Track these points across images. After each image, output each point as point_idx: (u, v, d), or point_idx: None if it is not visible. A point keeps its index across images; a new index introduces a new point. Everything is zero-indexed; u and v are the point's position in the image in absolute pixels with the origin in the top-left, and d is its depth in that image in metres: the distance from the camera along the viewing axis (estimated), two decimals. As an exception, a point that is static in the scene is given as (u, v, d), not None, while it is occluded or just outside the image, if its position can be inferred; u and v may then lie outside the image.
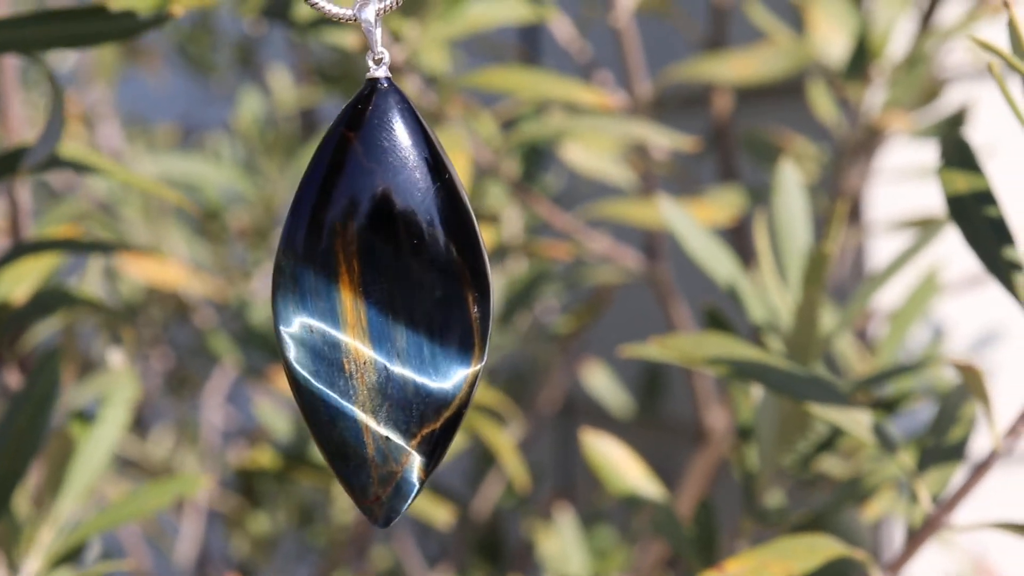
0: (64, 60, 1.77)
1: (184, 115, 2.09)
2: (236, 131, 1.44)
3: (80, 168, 0.76)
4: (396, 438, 0.53)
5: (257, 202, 1.41)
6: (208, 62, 1.92)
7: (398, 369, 0.52)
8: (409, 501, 0.54)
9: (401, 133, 0.52)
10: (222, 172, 1.40)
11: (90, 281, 1.08)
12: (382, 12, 0.53)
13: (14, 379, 0.89)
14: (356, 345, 0.52)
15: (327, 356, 0.52)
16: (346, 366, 0.52)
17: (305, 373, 0.53)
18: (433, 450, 0.53)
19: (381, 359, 0.52)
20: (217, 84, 1.95)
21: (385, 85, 0.52)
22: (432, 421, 0.53)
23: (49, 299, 0.86)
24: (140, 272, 1.32)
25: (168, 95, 2.19)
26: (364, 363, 0.52)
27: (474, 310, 0.52)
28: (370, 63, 0.53)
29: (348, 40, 0.93)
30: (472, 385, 0.53)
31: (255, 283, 1.41)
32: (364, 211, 0.52)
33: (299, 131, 1.56)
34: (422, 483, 0.54)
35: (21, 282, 0.86)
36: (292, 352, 0.52)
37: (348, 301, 0.52)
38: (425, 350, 0.53)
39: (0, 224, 1.11)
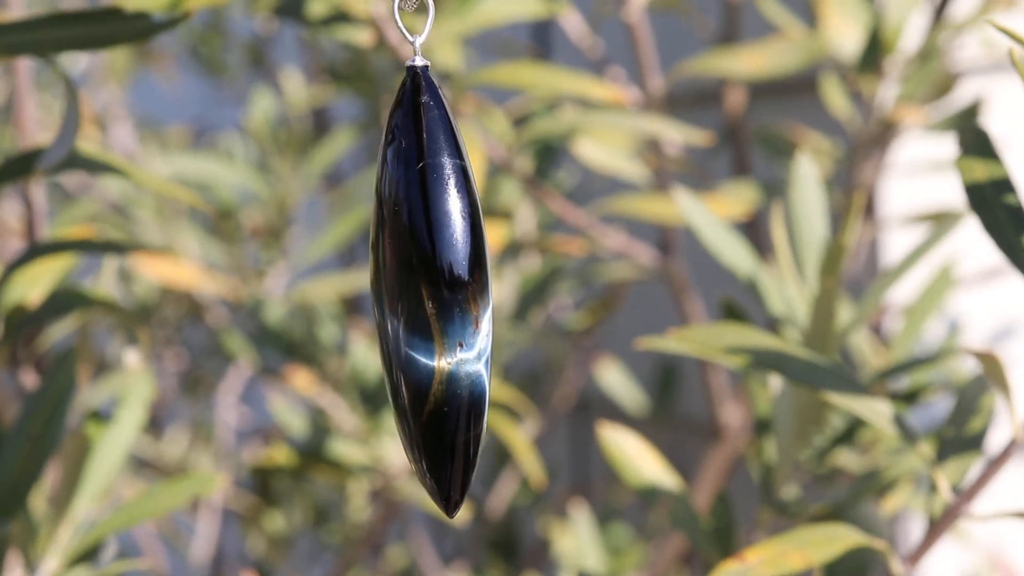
0: (76, 62, 1.77)
1: (196, 116, 2.09)
2: (248, 131, 1.45)
3: (95, 168, 0.76)
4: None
5: (270, 201, 1.41)
6: (220, 63, 1.92)
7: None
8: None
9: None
10: (235, 172, 1.40)
11: (105, 282, 1.08)
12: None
13: (30, 379, 0.89)
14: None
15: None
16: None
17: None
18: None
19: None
20: (229, 85, 1.95)
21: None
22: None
23: (64, 300, 0.87)
24: (154, 272, 1.32)
25: (180, 97, 2.19)
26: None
27: (429, 304, 0.51)
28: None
29: (361, 37, 0.93)
30: (444, 382, 0.51)
31: (269, 282, 1.41)
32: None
33: (311, 130, 1.56)
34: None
35: (36, 283, 0.86)
36: None
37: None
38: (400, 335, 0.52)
39: (14, 226, 1.12)
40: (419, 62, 0.53)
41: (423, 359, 0.51)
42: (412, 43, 0.54)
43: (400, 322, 0.51)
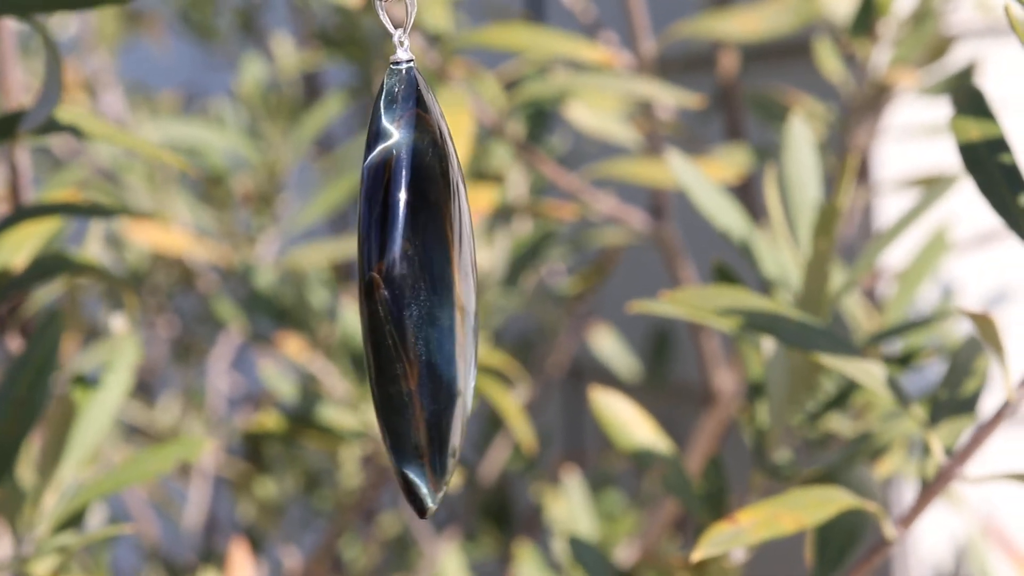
0: (65, 28, 1.76)
1: (187, 82, 2.08)
2: (239, 97, 1.43)
3: (78, 132, 0.75)
4: None
5: (261, 167, 1.40)
6: (210, 28, 1.90)
7: None
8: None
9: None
10: (225, 137, 1.39)
11: (91, 247, 1.07)
12: None
13: (16, 344, 0.88)
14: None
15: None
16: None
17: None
18: None
19: None
20: (220, 50, 1.94)
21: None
22: None
23: (49, 265, 0.85)
24: (144, 238, 1.31)
25: (171, 62, 2.18)
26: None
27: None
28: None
29: (351, 0, 0.92)
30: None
31: (260, 248, 1.40)
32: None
33: (302, 96, 1.54)
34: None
35: (21, 248, 0.85)
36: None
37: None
38: None
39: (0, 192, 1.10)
40: (404, 57, 0.49)
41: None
42: (395, 37, 0.49)
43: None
